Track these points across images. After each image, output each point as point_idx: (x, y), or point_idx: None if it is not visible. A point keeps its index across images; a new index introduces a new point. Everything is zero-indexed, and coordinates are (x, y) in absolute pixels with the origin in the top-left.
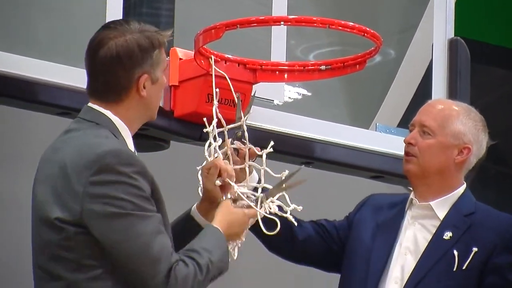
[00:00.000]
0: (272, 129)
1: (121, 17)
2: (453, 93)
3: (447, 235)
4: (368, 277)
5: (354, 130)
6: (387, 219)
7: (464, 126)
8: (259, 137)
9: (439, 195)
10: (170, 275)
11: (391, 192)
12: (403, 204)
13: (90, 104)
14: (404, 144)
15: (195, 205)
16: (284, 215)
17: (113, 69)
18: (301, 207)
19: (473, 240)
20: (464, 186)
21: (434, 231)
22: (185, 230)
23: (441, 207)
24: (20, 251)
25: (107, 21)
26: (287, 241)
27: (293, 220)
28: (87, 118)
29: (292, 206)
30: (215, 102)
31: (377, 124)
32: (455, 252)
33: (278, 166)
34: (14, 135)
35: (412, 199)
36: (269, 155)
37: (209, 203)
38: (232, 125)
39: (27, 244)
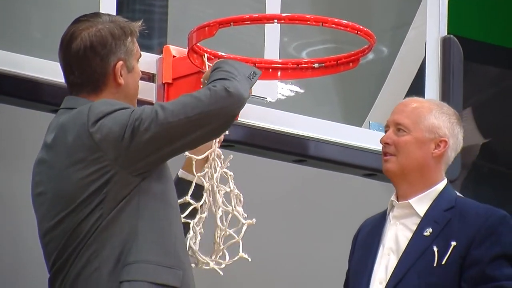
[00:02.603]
0: (265, 126)
1: (114, 14)
2: (446, 91)
3: (427, 231)
4: (359, 285)
5: (347, 128)
6: (372, 228)
7: (437, 120)
8: (252, 134)
9: (420, 192)
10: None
11: (383, 190)
12: (385, 210)
13: (71, 96)
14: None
15: (180, 169)
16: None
17: (88, 59)
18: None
19: (452, 234)
20: (445, 181)
21: (415, 229)
22: (180, 192)
23: (420, 203)
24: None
25: None
26: None
27: (246, 256)
28: (70, 106)
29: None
30: None
31: (370, 122)
32: (435, 248)
33: (271, 164)
34: (11, 134)
35: (392, 200)
36: (262, 153)
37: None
38: None
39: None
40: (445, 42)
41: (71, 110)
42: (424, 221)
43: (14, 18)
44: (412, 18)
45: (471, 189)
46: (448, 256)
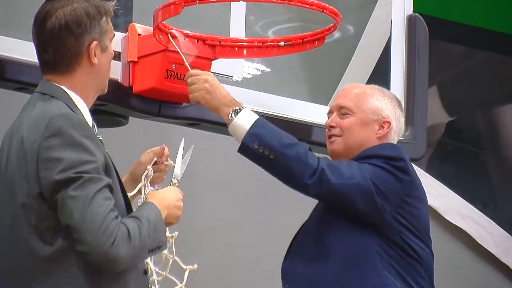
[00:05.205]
0: None
1: None
2: (411, 69)
3: None
4: None
5: (313, 106)
6: None
7: (380, 102)
8: None
9: None
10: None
11: None
12: None
13: (45, 79)
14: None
15: None
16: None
17: (62, 38)
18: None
19: None
20: None
21: None
22: None
23: None
24: None
25: None
26: None
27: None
28: (43, 92)
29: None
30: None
31: None
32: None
33: (234, 142)
34: None
35: None
36: (226, 131)
37: (132, 181)
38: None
39: None
40: (410, 21)
41: (44, 95)
42: None
43: None
44: None
45: (436, 167)
46: None
